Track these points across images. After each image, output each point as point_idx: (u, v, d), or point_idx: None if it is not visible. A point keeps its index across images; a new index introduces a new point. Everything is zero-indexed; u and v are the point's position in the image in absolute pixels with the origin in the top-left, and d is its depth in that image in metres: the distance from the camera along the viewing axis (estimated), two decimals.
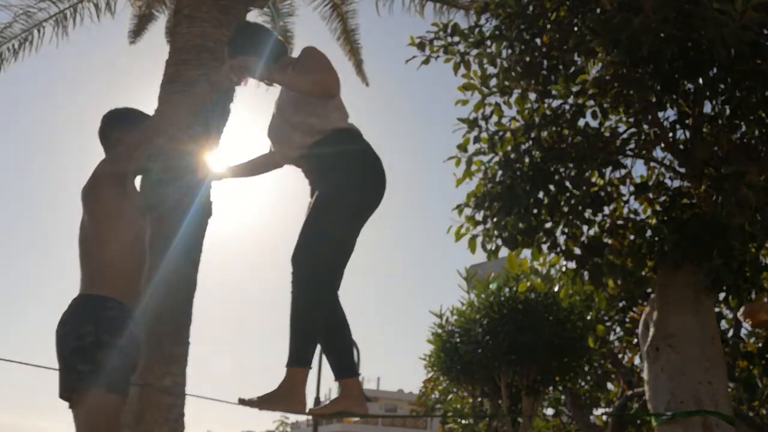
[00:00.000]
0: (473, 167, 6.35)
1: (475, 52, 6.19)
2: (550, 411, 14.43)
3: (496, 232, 6.13)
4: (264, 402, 2.97)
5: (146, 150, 3.22)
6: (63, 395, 2.98)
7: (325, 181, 3.12)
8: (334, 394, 3.24)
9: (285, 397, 2.96)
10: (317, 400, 12.80)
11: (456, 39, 6.24)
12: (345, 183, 3.08)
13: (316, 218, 3.04)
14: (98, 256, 3.08)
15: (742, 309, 5.89)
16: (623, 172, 6.37)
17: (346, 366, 3.14)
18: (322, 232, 3.01)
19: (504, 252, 6.34)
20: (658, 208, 6.22)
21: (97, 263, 3.07)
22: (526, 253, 6.44)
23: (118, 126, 3.29)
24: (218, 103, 7.00)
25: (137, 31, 10.75)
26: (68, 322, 2.95)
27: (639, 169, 33.22)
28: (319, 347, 3.14)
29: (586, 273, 6.25)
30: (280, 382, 2.99)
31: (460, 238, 6.35)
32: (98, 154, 3.38)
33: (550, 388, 12.30)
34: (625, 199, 6.44)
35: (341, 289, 3.19)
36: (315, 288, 2.97)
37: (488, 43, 6.14)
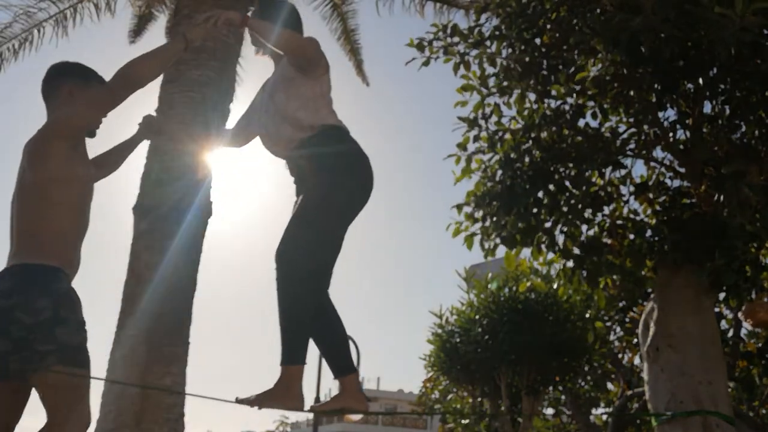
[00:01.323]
0: (473, 165, 6.36)
1: (474, 52, 6.19)
2: (550, 411, 14.44)
3: (494, 232, 6.14)
4: (261, 400, 2.97)
5: (110, 107, 2.91)
6: (15, 377, 2.70)
7: (312, 180, 3.11)
8: (335, 393, 3.22)
9: (282, 394, 2.97)
10: (317, 399, 12.76)
11: (456, 39, 6.24)
12: (333, 183, 3.07)
13: (302, 217, 3.04)
14: (46, 221, 2.81)
15: (743, 308, 5.90)
16: (623, 172, 6.38)
17: (342, 363, 3.13)
18: (307, 230, 3.01)
19: (503, 251, 6.36)
20: (658, 208, 6.22)
21: (45, 229, 2.80)
22: (526, 252, 6.45)
23: (70, 79, 3.04)
24: (218, 103, 7.00)
25: (137, 30, 10.74)
26: (13, 293, 2.65)
27: (639, 169, 33.26)
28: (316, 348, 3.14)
29: (584, 272, 6.26)
30: (277, 380, 2.99)
31: (457, 234, 6.36)
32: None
33: (550, 388, 12.31)
34: (625, 199, 6.44)
35: (332, 288, 3.19)
36: (300, 285, 2.96)
37: (488, 43, 6.14)
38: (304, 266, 2.97)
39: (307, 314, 2.99)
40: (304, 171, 3.19)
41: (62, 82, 3.03)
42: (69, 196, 2.87)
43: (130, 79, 2.86)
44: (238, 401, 3.02)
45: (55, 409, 2.71)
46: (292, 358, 2.98)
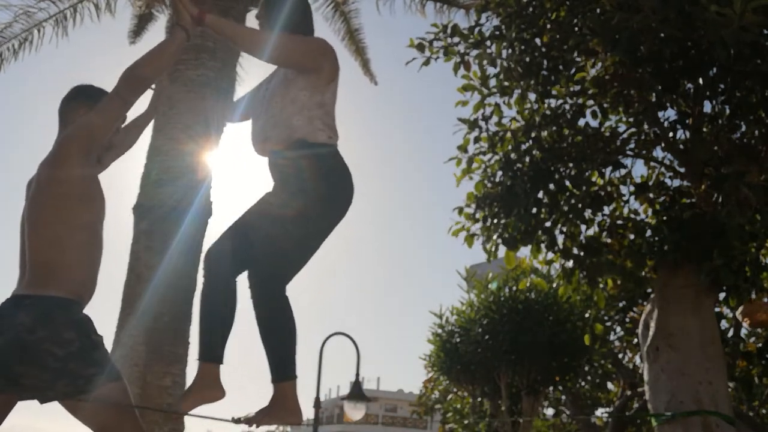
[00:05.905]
0: (474, 165, 6.37)
1: (475, 52, 6.19)
2: (550, 411, 14.45)
3: (495, 233, 6.14)
4: (259, 419, 2.91)
5: (122, 113, 2.82)
6: (62, 400, 2.74)
7: (291, 193, 2.99)
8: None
9: (279, 411, 2.89)
10: (317, 400, 12.81)
11: (456, 40, 6.25)
12: (312, 206, 2.96)
13: (277, 236, 2.93)
14: (64, 248, 2.71)
15: (740, 309, 5.89)
16: (623, 172, 6.38)
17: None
18: (283, 250, 2.93)
19: (503, 251, 6.36)
20: (658, 207, 6.22)
21: (63, 256, 2.71)
22: (526, 250, 6.46)
23: (86, 101, 2.94)
24: (218, 103, 6.99)
25: (137, 31, 10.73)
26: (37, 328, 2.60)
27: (639, 169, 33.25)
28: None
29: (584, 272, 6.26)
30: (271, 397, 2.92)
31: (458, 233, 6.37)
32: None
33: (550, 388, 12.32)
34: (625, 199, 6.44)
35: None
36: (280, 300, 2.90)
37: (488, 43, 6.14)
38: (282, 281, 2.91)
39: (293, 326, 2.91)
40: (283, 180, 3.07)
41: (79, 106, 2.94)
42: (89, 216, 2.77)
43: (136, 80, 2.77)
44: (235, 421, 2.96)
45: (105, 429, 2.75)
46: (285, 374, 2.90)
